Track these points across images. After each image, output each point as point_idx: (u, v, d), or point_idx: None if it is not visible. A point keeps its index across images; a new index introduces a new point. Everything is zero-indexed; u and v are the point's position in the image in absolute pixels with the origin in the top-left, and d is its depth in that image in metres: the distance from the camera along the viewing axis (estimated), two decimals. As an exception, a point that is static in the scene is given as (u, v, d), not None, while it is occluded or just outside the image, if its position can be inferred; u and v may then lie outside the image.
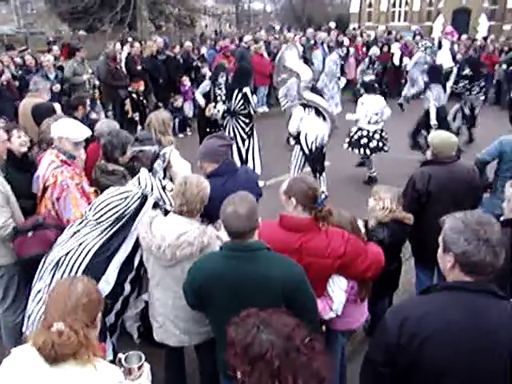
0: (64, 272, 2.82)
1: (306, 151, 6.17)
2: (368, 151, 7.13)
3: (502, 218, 2.67)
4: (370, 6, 36.41)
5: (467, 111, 9.05)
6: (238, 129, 6.77)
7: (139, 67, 9.72)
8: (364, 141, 7.11)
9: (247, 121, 6.76)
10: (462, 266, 1.67)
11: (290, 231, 2.57)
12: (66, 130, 3.47)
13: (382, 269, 2.76)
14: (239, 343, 1.42)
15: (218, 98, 7.21)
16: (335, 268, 2.61)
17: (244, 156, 6.87)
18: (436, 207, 3.38)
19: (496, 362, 1.59)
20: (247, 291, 2.19)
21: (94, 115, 5.53)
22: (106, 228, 2.88)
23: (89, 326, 1.82)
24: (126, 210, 2.89)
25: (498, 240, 1.64)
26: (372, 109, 6.99)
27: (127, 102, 8.78)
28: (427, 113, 7.56)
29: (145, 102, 9.06)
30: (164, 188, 3.07)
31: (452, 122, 8.64)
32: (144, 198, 2.96)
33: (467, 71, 9.15)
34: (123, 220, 2.89)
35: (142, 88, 8.92)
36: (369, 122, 7.05)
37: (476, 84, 9.11)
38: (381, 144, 7.11)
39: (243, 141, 6.83)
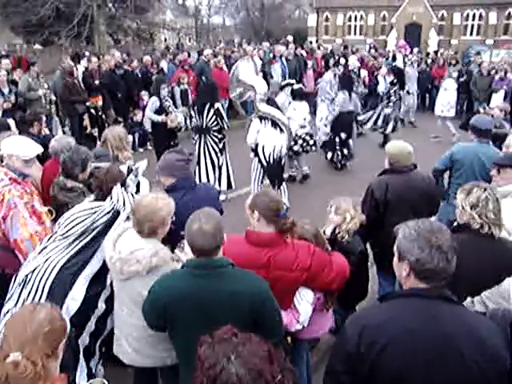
0: (31, 289, 2.75)
1: (264, 163, 6.24)
2: (290, 153, 7.53)
3: (455, 224, 2.77)
4: (326, 20, 37.42)
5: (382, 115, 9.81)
6: (211, 145, 6.70)
7: (97, 82, 9.56)
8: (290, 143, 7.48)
9: (220, 136, 6.72)
10: (417, 274, 1.72)
11: (257, 246, 2.57)
12: (15, 147, 3.38)
13: (346, 279, 2.80)
14: (207, 372, 1.35)
15: (170, 108, 7.30)
16: (302, 281, 2.63)
17: (218, 172, 6.83)
18: (395, 215, 3.46)
19: (458, 370, 1.62)
20: (213, 309, 2.17)
21: (46, 131, 5.40)
22: (72, 242, 2.83)
23: (49, 356, 1.72)
24: (92, 224, 2.84)
25: (449, 246, 1.70)
26: (301, 114, 7.38)
27: (85, 117, 8.61)
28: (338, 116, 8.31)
29: (104, 117, 8.91)
30: None
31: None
32: (116, 213, 2.91)
33: (392, 78, 9.92)
34: (90, 234, 2.84)
35: (100, 103, 8.79)
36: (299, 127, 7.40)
37: (396, 93, 9.91)
38: (306, 147, 7.61)
39: (217, 157, 6.78)
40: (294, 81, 8.57)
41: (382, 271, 4.02)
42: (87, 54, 13.16)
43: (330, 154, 8.61)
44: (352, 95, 8.41)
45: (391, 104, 9.76)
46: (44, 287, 2.72)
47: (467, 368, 1.62)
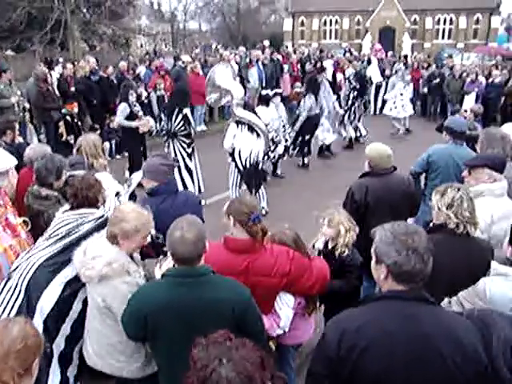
0: (10, 287, 2.74)
1: (241, 167, 6.25)
2: None
3: (431, 224, 2.82)
4: (302, 24, 37.82)
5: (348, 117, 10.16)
6: (179, 149, 6.74)
7: (72, 88, 9.43)
8: None
9: (188, 141, 6.75)
10: (395, 276, 1.74)
11: (235, 252, 2.57)
12: None
13: (327, 283, 2.80)
14: (198, 373, 1.35)
15: (140, 113, 7.39)
16: (282, 286, 2.63)
17: (187, 176, 6.83)
18: (375, 217, 3.45)
19: (437, 370, 1.64)
20: (196, 317, 2.15)
21: (20, 139, 5.29)
22: (56, 242, 2.83)
23: (22, 375, 1.65)
24: (78, 226, 2.86)
25: (425, 248, 1.72)
26: (263, 119, 7.36)
27: (61, 124, 8.46)
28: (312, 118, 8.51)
29: (79, 124, 8.77)
30: None
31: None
32: (105, 221, 2.85)
33: (355, 84, 10.06)
34: (73, 236, 2.83)
35: (76, 110, 8.66)
36: None
37: (359, 96, 10.12)
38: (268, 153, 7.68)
39: (185, 161, 6.78)
40: (281, 90, 8.77)
41: (364, 273, 4.04)
42: (61, 60, 12.95)
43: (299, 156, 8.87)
44: (318, 98, 8.62)
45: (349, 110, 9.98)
46: (22, 284, 2.72)
47: (446, 368, 1.64)
